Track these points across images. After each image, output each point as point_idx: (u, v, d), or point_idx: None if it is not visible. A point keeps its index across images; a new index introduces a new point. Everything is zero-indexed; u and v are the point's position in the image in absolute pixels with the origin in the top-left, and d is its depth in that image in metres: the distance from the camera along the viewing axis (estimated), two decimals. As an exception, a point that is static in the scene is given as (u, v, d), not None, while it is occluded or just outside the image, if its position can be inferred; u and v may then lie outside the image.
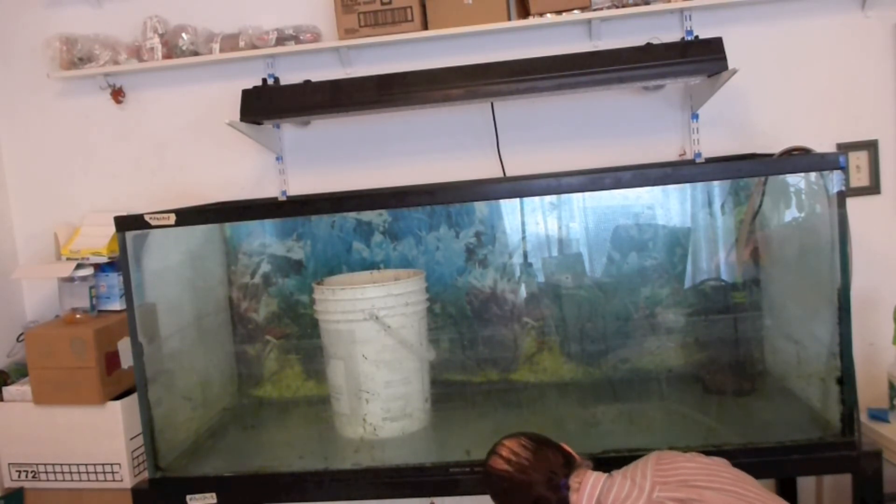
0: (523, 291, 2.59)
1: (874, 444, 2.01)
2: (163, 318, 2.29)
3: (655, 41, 2.47)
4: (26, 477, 2.48)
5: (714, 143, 2.57)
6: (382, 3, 2.46)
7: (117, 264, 2.52)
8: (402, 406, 2.26)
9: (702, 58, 2.27)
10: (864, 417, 2.18)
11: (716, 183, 2.50)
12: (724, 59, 2.25)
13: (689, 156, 2.59)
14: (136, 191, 2.80)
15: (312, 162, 2.74)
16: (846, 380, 1.90)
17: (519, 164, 2.63)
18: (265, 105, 2.47)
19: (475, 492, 1.95)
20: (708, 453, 1.66)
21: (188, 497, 2.09)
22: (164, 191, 2.78)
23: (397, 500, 2.11)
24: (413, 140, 2.69)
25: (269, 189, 2.76)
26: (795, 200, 2.23)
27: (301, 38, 2.56)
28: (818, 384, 2.06)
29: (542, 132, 2.64)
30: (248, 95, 2.46)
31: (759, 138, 2.54)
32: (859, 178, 2.52)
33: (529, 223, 2.59)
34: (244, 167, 2.77)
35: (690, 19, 2.52)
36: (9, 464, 2.48)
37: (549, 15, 2.44)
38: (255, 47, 2.58)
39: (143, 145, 2.80)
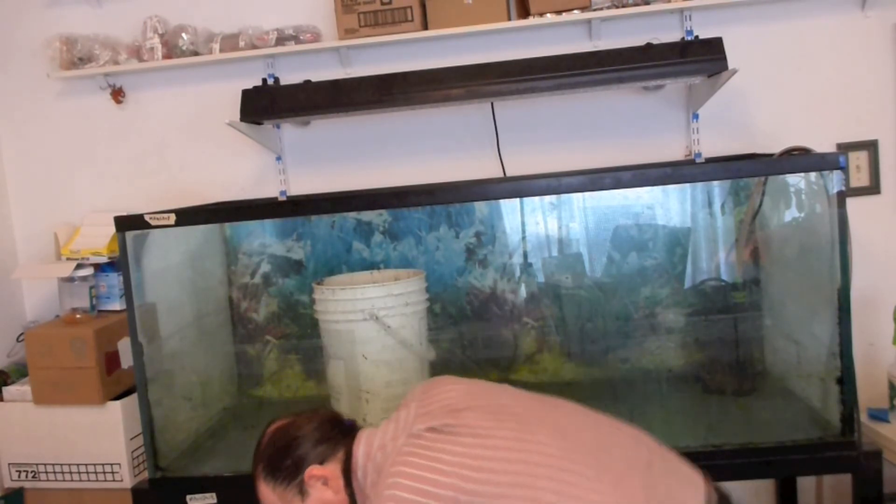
0: (523, 291, 2.59)
1: (874, 444, 2.01)
2: (163, 318, 2.29)
3: (655, 41, 2.47)
4: (26, 477, 2.48)
5: (714, 143, 2.57)
6: (382, 3, 2.46)
7: (117, 264, 2.52)
8: (402, 406, 2.26)
9: (702, 58, 2.27)
10: (864, 417, 2.18)
11: (716, 183, 2.50)
12: (724, 59, 2.25)
13: (690, 155, 2.59)
14: (136, 191, 2.80)
15: (312, 162, 2.74)
16: (846, 380, 1.90)
17: (519, 164, 2.63)
18: (265, 105, 2.47)
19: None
20: (708, 453, 1.65)
21: (188, 497, 2.09)
22: (164, 191, 2.78)
23: (397, 500, 2.11)
24: (413, 140, 2.69)
25: (269, 189, 2.76)
26: (795, 200, 2.23)
27: (301, 38, 2.56)
28: (818, 384, 2.06)
29: (542, 132, 2.64)
30: (248, 95, 2.46)
31: (759, 138, 2.54)
32: (859, 178, 2.52)
33: (529, 223, 2.59)
34: (244, 167, 2.77)
35: (690, 19, 2.52)
36: (9, 464, 2.48)
37: (549, 15, 2.44)
38: (255, 47, 2.58)
39: (142, 145, 2.80)
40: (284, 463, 1.48)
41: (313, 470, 1.47)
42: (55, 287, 2.67)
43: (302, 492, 1.48)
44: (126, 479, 2.39)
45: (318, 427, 1.52)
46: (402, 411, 1.49)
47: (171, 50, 2.63)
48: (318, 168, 2.74)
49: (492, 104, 2.60)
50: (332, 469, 1.47)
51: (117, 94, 2.77)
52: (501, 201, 2.57)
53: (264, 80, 2.63)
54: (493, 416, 1.41)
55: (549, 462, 1.32)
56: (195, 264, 2.58)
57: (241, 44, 2.58)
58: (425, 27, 2.50)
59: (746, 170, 2.26)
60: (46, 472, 2.46)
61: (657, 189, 2.49)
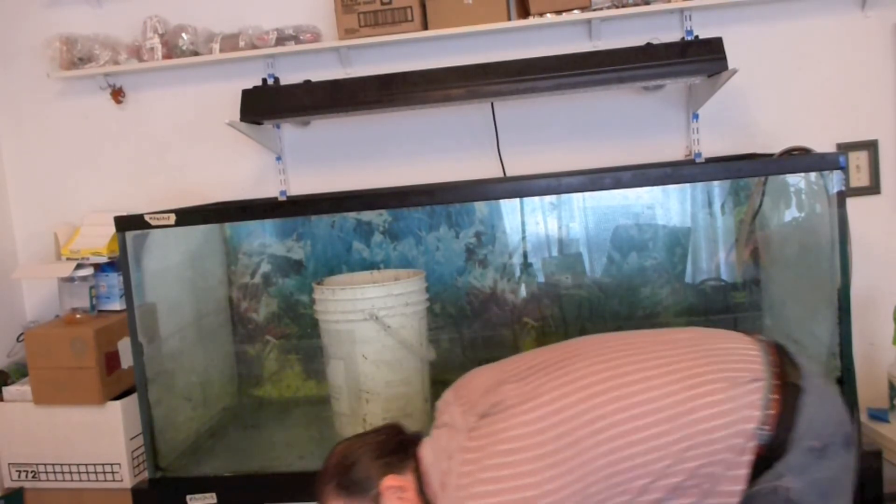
0: (523, 291, 2.59)
1: (874, 444, 2.01)
2: (163, 318, 2.29)
3: (655, 41, 2.47)
4: (26, 477, 2.48)
5: (714, 143, 2.57)
6: (382, 3, 2.46)
7: (117, 264, 2.52)
8: (402, 406, 2.26)
9: (702, 58, 2.27)
10: (864, 417, 2.18)
11: (716, 183, 2.50)
12: (724, 59, 2.25)
13: (690, 155, 2.59)
14: (136, 191, 2.80)
15: (312, 162, 2.75)
16: (846, 380, 1.90)
17: (519, 164, 2.63)
18: (265, 105, 2.47)
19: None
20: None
21: (188, 497, 2.09)
22: (164, 191, 2.78)
23: (397, 500, 2.11)
24: (413, 140, 2.69)
25: (269, 189, 2.76)
26: (795, 200, 2.23)
27: (301, 38, 2.56)
28: (818, 384, 2.06)
29: (542, 132, 2.64)
30: (248, 95, 2.46)
31: (759, 138, 2.54)
32: (859, 178, 2.52)
33: (529, 223, 2.59)
34: (244, 167, 2.77)
35: (690, 19, 2.52)
36: (9, 464, 2.48)
37: (549, 15, 2.44)
38: (255, 47, 2.58)
39: (143, 145, 2.80)
40: (357, 476, 1.49)
41: (389, 480, 1.47)
42: (55, 287, 2.68)
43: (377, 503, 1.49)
44: (126, 479, 2.39)
45: (386, 440, 1.54)
46: (444, 416, 1.51)
47: (171, 50, 2.63)
48: (318, 168, 2.74)
49: (492, 104, 2.60)
50: (408, 479, 1.48)
51: (117, 94, 2.77)
52: (501, 201, 2.58)
53: (264, 80, 2.63)
54: (529, 375, 1.44)
55: (597, 379, 1.37)
56: (195, 264, 2.58)
57: (241, 44, 2.58)
58: (425, 27, 2.50)
59: (746, 170, 2.26)
60: (46, 472, 2.46)
61: (657, 189, 2.49)
